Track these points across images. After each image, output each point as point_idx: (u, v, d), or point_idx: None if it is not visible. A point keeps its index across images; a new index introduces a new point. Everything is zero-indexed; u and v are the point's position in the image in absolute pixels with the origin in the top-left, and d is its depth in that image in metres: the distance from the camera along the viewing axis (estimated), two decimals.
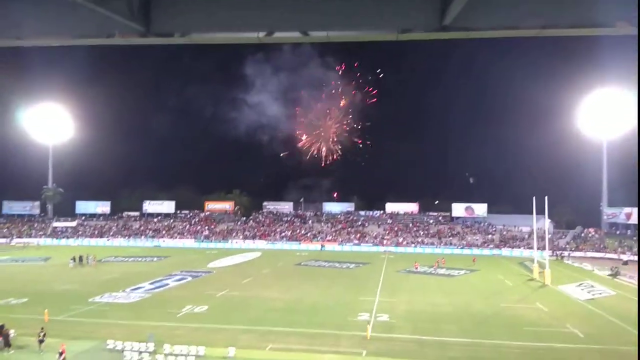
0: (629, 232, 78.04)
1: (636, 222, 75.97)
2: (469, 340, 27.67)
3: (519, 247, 76.98)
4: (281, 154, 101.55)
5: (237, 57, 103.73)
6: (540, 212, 51.59)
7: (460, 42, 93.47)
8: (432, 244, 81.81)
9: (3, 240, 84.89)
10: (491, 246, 79.59)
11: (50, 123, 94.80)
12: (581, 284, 46.71)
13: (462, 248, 78.95)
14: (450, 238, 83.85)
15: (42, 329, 25.65)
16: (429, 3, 10.22)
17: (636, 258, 65.13)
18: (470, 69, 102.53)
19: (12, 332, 25.36)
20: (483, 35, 10.72)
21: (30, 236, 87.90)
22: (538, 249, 55.44)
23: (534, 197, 51.74)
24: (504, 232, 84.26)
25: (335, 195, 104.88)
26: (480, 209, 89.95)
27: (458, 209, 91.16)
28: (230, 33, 11.28)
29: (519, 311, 35.39)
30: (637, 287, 45.57)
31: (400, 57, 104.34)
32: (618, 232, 79.46)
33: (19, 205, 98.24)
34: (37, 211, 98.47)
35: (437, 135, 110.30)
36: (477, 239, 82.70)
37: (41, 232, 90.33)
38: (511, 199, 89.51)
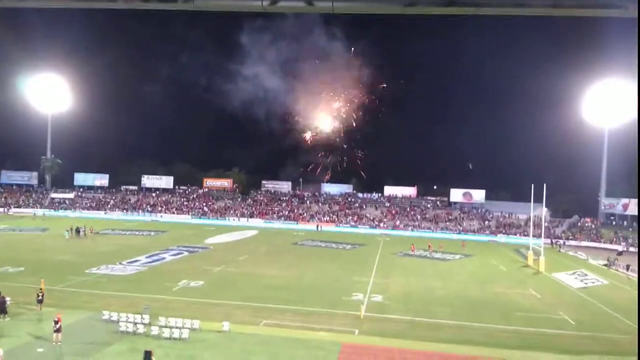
0: (625, 223, 78.33)
1: (633, 213, 76.32)
2: (461, 322, 27.94)
3: (515, 234, 77.27)
4: (281, 135, 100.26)
5: (237, 27, 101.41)
6: (538, 200, 51.66)
7: (463, 24, 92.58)
8: (429, 228, 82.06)
9: (1, 210, 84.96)
10: (487, 232, 79.91)
11: (50, 92, 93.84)
12: (575, 273, 47.03)
13: (458, 233, 79.21)
14: (447, 223, 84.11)
15: (41, 289, 26.03)
16: None
17: (632, 249, 65.60)
18: (472, 53, 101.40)
19: (8, 300, 25.52)
20: (491, 12, 10.45)
21: (28, 206, 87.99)
22: (534, 236, 55.69)
23: (532, 185, 51.75)
24: (501, 219, 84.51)
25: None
26: (478, 195, 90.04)
27: (456, 195, 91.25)
28: (234, 1, 11.05)
29: (512, 297, 35.68)
30: (630, 276, 45.96)
31: (401, 38, 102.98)
32: (615, 223, 79.74)
33: (17, 175, 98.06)
34: (35, 181, 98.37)
35: (437, 120, 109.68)
36: (473, 225, 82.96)
37: (38, 203, 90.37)
38: (510, 186, 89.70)
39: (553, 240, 70.88)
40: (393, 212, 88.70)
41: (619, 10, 9.46)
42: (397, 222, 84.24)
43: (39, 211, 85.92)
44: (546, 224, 68.37)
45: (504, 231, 79.39)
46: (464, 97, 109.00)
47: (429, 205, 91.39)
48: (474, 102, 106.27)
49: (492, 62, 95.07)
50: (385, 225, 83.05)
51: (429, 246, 58.54)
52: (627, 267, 48.80)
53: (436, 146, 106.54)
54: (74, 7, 12.67)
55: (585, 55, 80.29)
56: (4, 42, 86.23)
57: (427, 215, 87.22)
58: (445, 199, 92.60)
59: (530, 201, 53.59)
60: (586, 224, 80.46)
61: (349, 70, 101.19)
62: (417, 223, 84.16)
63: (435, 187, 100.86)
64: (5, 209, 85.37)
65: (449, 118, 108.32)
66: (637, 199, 72.14)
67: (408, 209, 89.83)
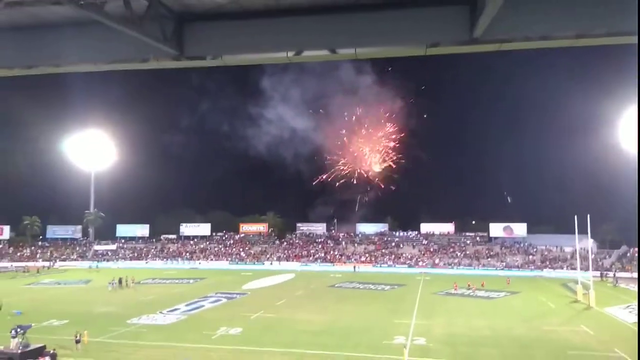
0: None
1: None
2: None
3: (562, 268, 74.12)
4: (314, 180, 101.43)
5: (260, 71, 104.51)
6: (583, 231, 49.72)
7: (494, 56, 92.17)
8: (470, 265, 79.78)
9: (47, 263, 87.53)
10: (532, 267, 77.01)
11: (92, 149, 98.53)
12: (629, 306, 44.45)
13: (501, 269, 76.59)
14: (489, 259, 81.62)
15: (77, 332, 27.17)
16: (458, 15, 10.13)
17: None
18: (507, 83, 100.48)
19: (52, 351, 25.97)
20: (515, 47, 10.51)
21: (73, 259, 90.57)
22: (581, 269, 53.30)
23: (575, 216, 49.98)
24: (546, 253, 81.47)
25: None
26: (519, 228, 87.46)
27: (496, 229, 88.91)
28: (260, 54, 11.56)
29: (563, 334, 33.90)
30: None
31: (433, 72, 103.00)
32: None
33: (62, 229, 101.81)
34: (79, 235, 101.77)
35: (473, 153, 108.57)
36: (517, 260, 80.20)
37: (82, 256, 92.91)
38: (552, 218, 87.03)
39: (602, 273, 67.52)
40: (431, 249, 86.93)
41: None
42: (437, 260, 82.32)
43: (92, 264, 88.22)
44: (593, 255, 65.38)
45: (549, 265, 76.38)
46: (500, 130, 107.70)
47: (468, 242, 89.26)
48: (510, 134, 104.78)
49: (528, 91, 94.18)
50: (424, 264, 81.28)
51: (469, 285, 56.28)
52: None
53: (472, 180, 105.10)
54: (107, 69, 13.45)
55: (619, 79, 78.55)
56: (48, 102, 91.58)
57: (467, 252, 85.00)
58: (485, 234, 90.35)
59: (574, 233, 51.61)
60: (636, 255, 76.48)
61: (379, 105, 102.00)
62: (457, 260, 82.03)
63: (473, 222, 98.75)
64: (51, 263, 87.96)
65: (484, 151, 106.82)
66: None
67: (447, 246, 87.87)
